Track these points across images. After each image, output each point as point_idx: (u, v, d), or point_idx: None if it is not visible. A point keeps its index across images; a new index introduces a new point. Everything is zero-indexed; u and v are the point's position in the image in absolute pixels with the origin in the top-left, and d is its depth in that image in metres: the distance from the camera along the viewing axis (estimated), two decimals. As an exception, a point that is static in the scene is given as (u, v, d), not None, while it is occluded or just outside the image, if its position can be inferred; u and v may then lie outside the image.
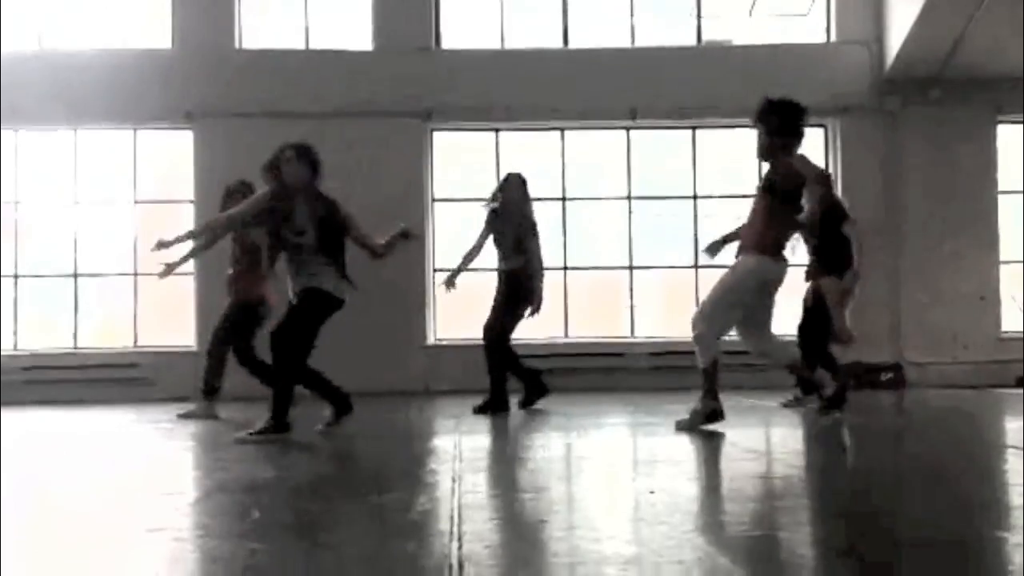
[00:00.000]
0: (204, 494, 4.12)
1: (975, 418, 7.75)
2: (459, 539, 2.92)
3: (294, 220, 6.00)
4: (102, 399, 10.58)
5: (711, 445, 5.50)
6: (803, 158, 6.13)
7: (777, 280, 6.18)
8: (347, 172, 11.43)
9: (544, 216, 12.01)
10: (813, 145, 12.22)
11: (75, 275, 12.02)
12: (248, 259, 7.72)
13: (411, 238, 6.34)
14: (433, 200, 12.03)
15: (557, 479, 4.50)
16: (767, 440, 6.16)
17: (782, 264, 6.17)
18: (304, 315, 6.05)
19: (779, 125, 6.15)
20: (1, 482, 4.36)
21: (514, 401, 7.93)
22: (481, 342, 7.94)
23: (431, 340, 11.72)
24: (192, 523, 3.44)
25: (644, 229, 12.30)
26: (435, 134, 12.12)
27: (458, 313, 11.73)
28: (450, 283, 8.02)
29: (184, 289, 11.42)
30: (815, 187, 6.08)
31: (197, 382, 7.97)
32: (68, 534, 3.30)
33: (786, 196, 6.10)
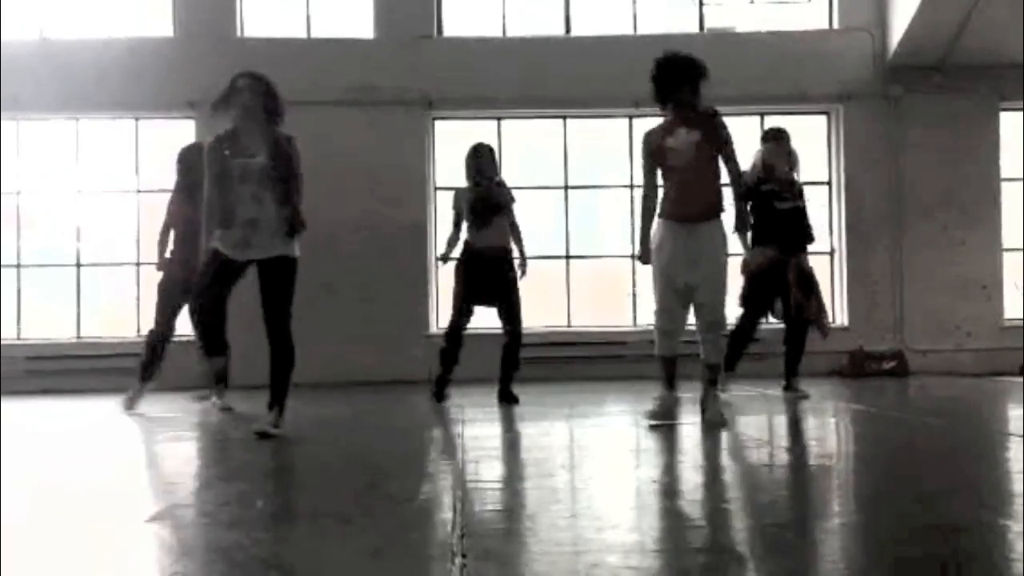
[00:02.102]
0: (207, 483, 4.13)
1: (977, 406, 7.75)
2: (462, 528, 2.92)
3: (243, 148, 5.54)
4: (105, 388, 10.58)
5: (714, 434, 5.50)
6: None
7: None
8: (349, 160, 11.46)
9: (546, 204, 12.04)
10: (816, 132, 12.23)
11: (78, 265, 12.03)
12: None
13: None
14: (435, 188, 12.02)
15: (560, 468, 4.51)
16: (769, 429, 6.16)
17: None
18: (201, 276, 5.66)
19: None
20: (1, 472, 4.37)
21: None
22: (493, 331, 7.91)
23: (433, 329, 11.72)
24: (195, 512, 3.44)
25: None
26: (437, 122, 12.11)
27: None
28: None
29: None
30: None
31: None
32: (70, 523, 3.31)
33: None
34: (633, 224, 12.15)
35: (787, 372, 7.84)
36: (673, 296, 5.82)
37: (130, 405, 7.74)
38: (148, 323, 11.76)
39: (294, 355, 5.55)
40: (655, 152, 5.95)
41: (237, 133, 5.63)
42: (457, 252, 7.89)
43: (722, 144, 5.89)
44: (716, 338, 5.95)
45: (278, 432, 5.46)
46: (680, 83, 5.91)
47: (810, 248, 8.04)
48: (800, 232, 7.87)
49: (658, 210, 5.92)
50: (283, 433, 5.47)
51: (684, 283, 5.79)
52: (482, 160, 7.84)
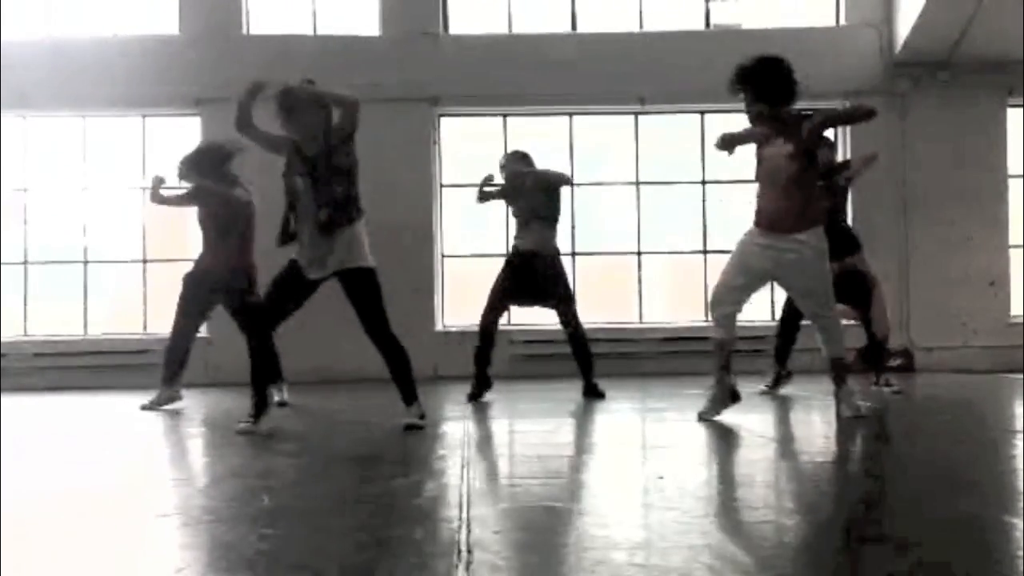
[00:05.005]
0: (214, 479, 4.14)
1: (984, 403, 7.74)
2: (468, 525, 2.92)
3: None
4: (112, 385, 10.62)
5: (721, 431, 5.51)
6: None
7: None
8: (355, 158, 11.45)
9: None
10: (822, 129, 12.20)
11: (85, 261, 12.06)
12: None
13: None
14: (441, 186, 12.02)
15: (566, 465, 4.51)
16: (777, 426, 6.15)
17: None
18: (273, 282, 5.73)
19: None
20: (1, 470, 4.39)
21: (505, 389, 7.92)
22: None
23: (439, 326, 11.73)
24: (202, 508, 3.45)
25: (652, 214, 12.29)
26: (442, 119, 12.11)
27: (466, 299, 11.74)
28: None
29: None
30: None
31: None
32: (77, 519, 3.31)
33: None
34: (640, 221, 12.16)
35: (875, 369, 8.01)
36: (736, 288, 5.89)
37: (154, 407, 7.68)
38: (156, 319, 11.85)
39: (404, 353, 5.77)
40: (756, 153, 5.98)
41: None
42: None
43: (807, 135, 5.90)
44: (833, 333, 5.98)
45: (425, 422, 5.67)
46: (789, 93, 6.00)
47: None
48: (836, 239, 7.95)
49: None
50: (427, 422, 5.72)
51: (791, 289, 5.99)
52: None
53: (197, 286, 7.61)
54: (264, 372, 5.67)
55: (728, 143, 5.97)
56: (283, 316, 5.67)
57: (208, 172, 7.56)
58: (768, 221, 5.85)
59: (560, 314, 7.79)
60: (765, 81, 5.87)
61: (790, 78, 5.92)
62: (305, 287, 5.68)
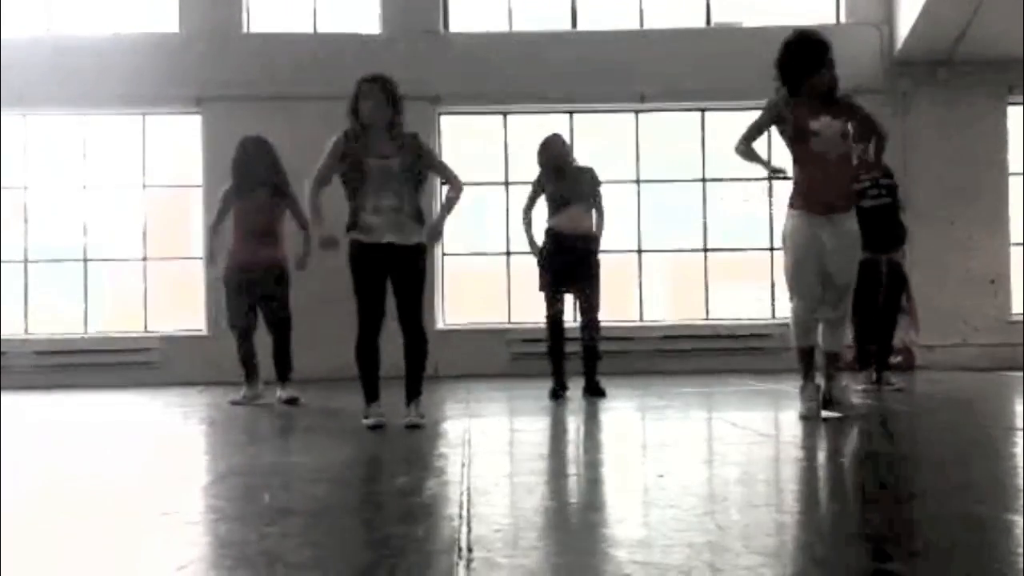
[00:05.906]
0: (216, 478, 4.14)
1: (984, 401, 7.74)
2: (468, 523, 2.93)
3: (373, 148, 5.84)
4: (113, 384, 10.63)
5: (720, 429, 5.51)
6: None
7: None
8: (355, 156, 11.45)
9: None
10: (822, 128, 12.21)
11: (85, 260, 12.07)
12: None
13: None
14: (441, 184, 12.00)
15: (567, 463, 4.51)
16: (777, 424, 6.15)
17: None
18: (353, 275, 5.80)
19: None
20: (1, 468, 4.39)
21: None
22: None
23: (440, 325, 11.72)
24: (204, 507, 3.45)
25: (652, 212, 12.29)
26: (443, 118, 12.10)
27: (466, 299, 11.74)
28: None
29: (194, 274, 11.46)
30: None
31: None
32: (79, 518, 3.32)
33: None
34: (640, 220, 12.16)
35: (878, 366, 7.89)
36: (814, 286, 5.71)
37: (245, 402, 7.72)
38: (156, 318, 11.86)
39: (427, 346, 5.87)
40: (796, 130, 5.78)
41: (367, 132, 5.94)
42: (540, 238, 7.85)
43: (874, 133, 6.01)
44: (839, 328, 5.87)
45: (425, 421, 5.73)
46: (818, 65, 5.87)
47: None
48: (889, 230, 7.82)
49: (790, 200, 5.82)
50: (427, 421, 5.78)
51: (824, 273, 5.68)
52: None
53: (232, 283, 7.74)
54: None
55: (752, 137, 5.89)
56: (383, 307, 5.80)
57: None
58: (819, 201, 5.64)
59: (583, 299, 7.66)
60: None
61: None
62: (380, 263, 5.73)
